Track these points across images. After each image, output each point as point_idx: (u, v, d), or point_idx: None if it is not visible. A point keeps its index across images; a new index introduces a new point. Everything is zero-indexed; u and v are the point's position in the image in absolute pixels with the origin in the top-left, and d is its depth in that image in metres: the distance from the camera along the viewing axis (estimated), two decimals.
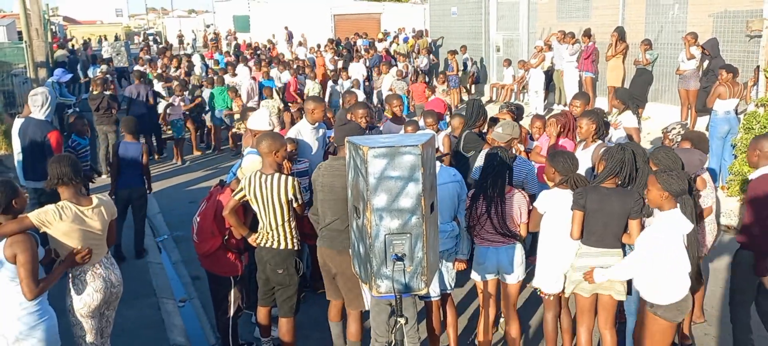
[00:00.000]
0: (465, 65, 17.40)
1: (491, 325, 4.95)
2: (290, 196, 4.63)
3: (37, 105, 6.83)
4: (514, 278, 4.78)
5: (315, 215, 4.74)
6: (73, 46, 28.57)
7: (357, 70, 16.77)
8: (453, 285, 4.94)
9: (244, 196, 4.69)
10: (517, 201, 4.64)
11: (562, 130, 6.40)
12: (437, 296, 4.84)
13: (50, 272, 4.09)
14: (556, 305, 4.83)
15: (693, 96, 11.36)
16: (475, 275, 4.86)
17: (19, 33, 21.47)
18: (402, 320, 3.53)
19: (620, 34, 12.92)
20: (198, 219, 5.10)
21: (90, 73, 16.55)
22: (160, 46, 28.95)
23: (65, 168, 4.06)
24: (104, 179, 11.15)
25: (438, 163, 4.62)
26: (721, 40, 11.36)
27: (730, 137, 8.91)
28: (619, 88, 9.92)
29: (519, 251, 4.72)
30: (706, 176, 5.16)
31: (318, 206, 4.66)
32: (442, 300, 4.99)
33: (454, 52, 17.05)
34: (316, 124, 6.50)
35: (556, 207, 4.53)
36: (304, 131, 6.42)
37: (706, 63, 11.20)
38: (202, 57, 21.88)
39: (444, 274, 4.84)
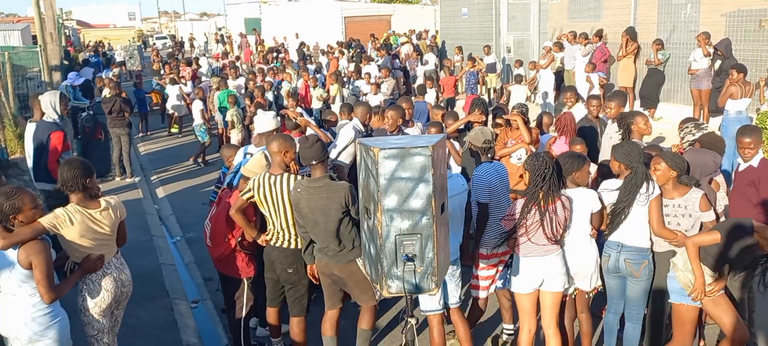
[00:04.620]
0: (494, 67, 17.37)
1: (532, 340, 4.73)
2: None
3: (47, 110, 6.97)
4: (559, 286, 4.58)
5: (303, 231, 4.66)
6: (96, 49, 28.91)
7: (371, 71, 16.78)
8: (461, 298, 4.84)
9: (252, 196, 4.73)
10: (566, 206, 4.48)
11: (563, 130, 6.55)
12: (440, 309, 4.71)
13: (63, 276, 4.15)
14: (587, 303, 4.88)
15: (705, 96, 11.31)
16: (516, 287, 4.65)
17: (34, 37, 21.71)
18: (412, 321, 3.56)
19: (631, 34, 12.87)
20: (210, 224, 5.14)
21: (103, 76, 16.71)
22: (170, 49, 29.29)
23: (69, 174, 4.08)
24: (117, 181, 11.27)
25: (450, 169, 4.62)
26: (733, 40, 11.30)
27: None
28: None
29: (562, 258, 4.58)
30: (720, 178, 5.13)
31: (308, 227, 4.56)
32: (446, 313, 4.88)
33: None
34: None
35: (578, 206, 4.55)
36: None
37: (718, 63, 11.14)
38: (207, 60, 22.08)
39: (450, 287, 4.74)
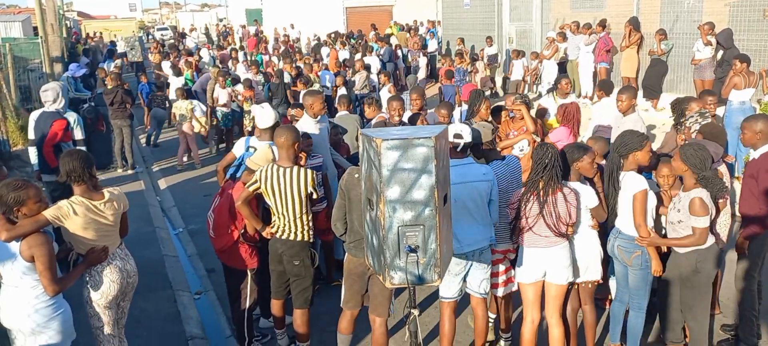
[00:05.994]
0: (496, 58, 17.36)
1: (536, 330, 4.73)
2: (309, 189, 4.65)
3: (49, 100, 6.90)
4: (563, 280, 4.57)
5: (342, 222, 4.54)
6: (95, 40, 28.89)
7: (372, 62, 16.72)
8: (486, 290, 4.75)
9: (258, 187, 4.71)
10: (569, 199, 4.45)
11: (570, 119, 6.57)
12: (454, 297, 4.67)
13: (67, 268, 4.15)
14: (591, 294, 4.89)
15: (708, 86, 11.25)
16: (520, 277, 4.65)
17: (35, 28, 21.68)
18: (415, 312, 3.55)
19: (634, 24, 12.84)
20: (213, 215, 5.13)
21: (105, 67, 16.67)
22: (170, 41, 29.26)
23: (74, 164, 4.08)
24: (120, 172, 11.28)
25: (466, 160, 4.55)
26: (737, 29, 11.24)
27: None
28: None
29: (568, 251, 4.55)
30: (723, 168, 5.13)
31: (353, 216, 4.42)
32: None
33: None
34: (318, 118, 6.51)
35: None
36: (307, 127, 6.43)
37: (720, 53, 11.10)
38: (208, 51, 21.98)
39: (477, 275, 4.65)
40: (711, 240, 4.53)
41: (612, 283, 5.10)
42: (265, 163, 4.90)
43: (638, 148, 4.62)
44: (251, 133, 6.26)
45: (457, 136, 4.47)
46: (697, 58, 11.40)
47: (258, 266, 5.14)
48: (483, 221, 4.52)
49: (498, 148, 6.43)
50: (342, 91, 12.44)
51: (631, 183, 4.59)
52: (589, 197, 4.57)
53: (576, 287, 4.86)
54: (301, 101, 7.33)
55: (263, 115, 5.90)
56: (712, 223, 4.59)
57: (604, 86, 8.33)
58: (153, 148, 13.56)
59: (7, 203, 3.78)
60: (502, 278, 4.98)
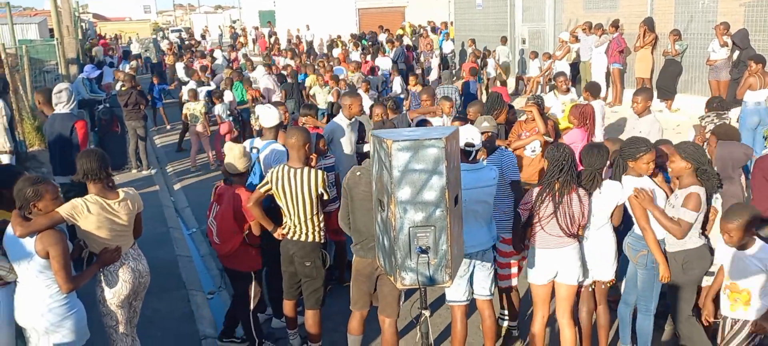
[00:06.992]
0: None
1: (545, 325, 4.73)
2: (320, 190, 4.66)
3: (64, 100, 6.89)
4: (574, 280, 4.55)
5: (347, 222, 4.55)
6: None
7: (383, 64, 16.75)
8: (492, 291, 4.76)
9: (270, 189, 4.73)
10: (583, 200, 4.44)
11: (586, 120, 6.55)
12: (464, 300, 4.65)
13: (82, 267, 4.19)
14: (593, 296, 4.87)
15: (724, 87, 11.17)
16: (531, 278, 4.65)
17: (51, 30, 21.92)
18: (426, 313, 3.56)
19: (649, 25, 12.75)
20: (215, 222, 5.06)
21: (121, 69, 16.81)
22: (186, 42, 29.39)
23: (92, 163, 4.12)
24: (134, 173, 11.37)
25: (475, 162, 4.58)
26: (752, 30, 11.15)
27: (761, 129, 8.76)
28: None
29: (578, 252, 4.54)
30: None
31: (356, 216, 4.43)
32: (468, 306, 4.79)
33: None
34: (353, 119, 6.52)
35: (605, 199, 4.54)
36: (341, 127, 6.46)
37: (736, 54, 11.01)
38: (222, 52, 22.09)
39: (480, 276, 4.66)
40: (700, 242, 4.49)
41: (623, 285, 5.09)
42: (240, 160, 4.96)
43: (631, 158, 4.56)
44: (260, 134, 6.29)
45: (469, 144, 4.49)
46: (713, 58, 11.31)
47: (261, 266, 5.15)
48: (488, 224, 4.58)
49: (511, 148, 6.45)
50: None
51: (626, 186, 4.58)
52: (619, 193, 4.56)
53: (592, 287, 4.84)
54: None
55: (267, 114, 5.93)
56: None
57: (591, 89, 8.23)
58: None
59: (25, 196, 3.84)
60: (514, 269, 5.04)
